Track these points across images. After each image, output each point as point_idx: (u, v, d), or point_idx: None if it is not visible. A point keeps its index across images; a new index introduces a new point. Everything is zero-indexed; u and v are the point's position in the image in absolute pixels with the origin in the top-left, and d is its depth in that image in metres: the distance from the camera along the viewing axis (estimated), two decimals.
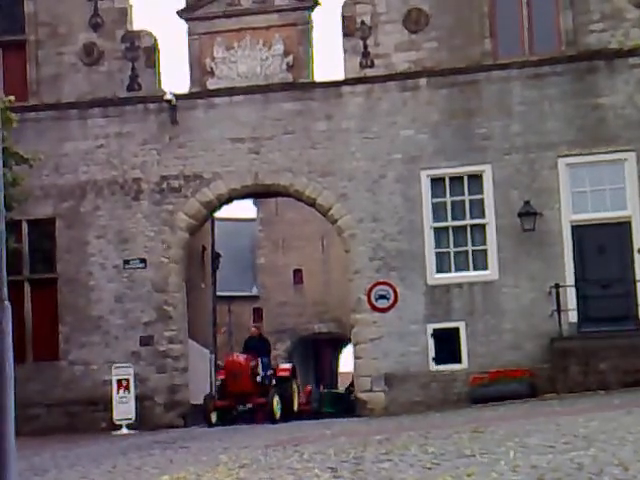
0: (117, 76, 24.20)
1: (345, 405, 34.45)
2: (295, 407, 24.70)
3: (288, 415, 23.53)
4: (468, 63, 22.98)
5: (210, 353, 30.53)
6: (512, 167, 22.72)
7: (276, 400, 22.86)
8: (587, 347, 21.13)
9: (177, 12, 24.35)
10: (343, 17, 23.67)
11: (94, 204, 24.04)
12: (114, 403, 22.30)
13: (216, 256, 32.67)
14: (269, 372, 24.20)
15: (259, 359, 23.90)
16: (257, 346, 24.41)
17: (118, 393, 22.33)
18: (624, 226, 22.19)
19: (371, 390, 22.72)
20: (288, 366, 25.62)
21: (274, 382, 23.96)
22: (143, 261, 23.69)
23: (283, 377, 24.60)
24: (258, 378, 23.37)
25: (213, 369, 30.60)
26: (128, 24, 24.44)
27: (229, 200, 24.51)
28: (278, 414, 22.78)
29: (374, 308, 22.76)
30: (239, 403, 23.40)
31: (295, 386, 24.99)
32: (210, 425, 22.37)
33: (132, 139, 24.04)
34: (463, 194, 22.93)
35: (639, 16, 22.57)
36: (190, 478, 9.18)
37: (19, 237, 23.58)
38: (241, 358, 23.77)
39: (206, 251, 31.50)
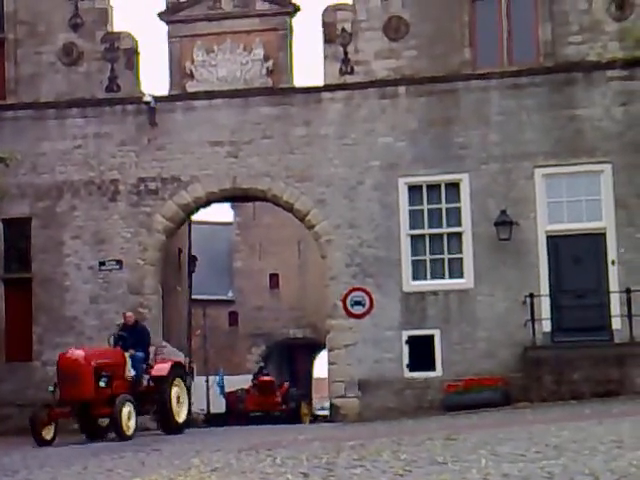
0: (96, 77, 24.14)
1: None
2: (180, 417, 19.36)
3: (168, 428, 19.09)
4: (447, 72, 23.07)
5: (184, 356, 30.47)
6: (489, 176, 22.82)
7: (127, 411, 17.88)
8: (560, 357, 21.24)
9: (158, 14, 24.32)
10: (324, 23, 23.71)
11: (70, 204, 23.95)
12: None
13: (192, 259, 32.63)
14: (144, 371, 19.33)
15: (128, 354, 19.12)
16: (129, 338, 19.36)
17: None
18: (599, 237, 22.33)
19: (345, 396, 22.74)
20: (168, 362, 19.77)
21: (152, 384, 19.22)
22: (119, 262, 23.62)
23: (159, 377, 19.09)
24: (102, 382, 18.00)
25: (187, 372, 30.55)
26: (108, 25, 24.39)
27: (207, 203, 24.49)
28: (131, 429, 17.96)
29: (349, 314, 22.78)
30: (81, 413, 18.52)
31: (180, 389, 19.50)
32: (41, 443, 17.70)
33: (110, 140, 23.98)
34: (440, 202, 23.00)
35: (617, 29, 22.74)
36: None
37: None
38: (78, 354, 18.31)
39: (182, 254, 31.47)
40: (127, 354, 19.13)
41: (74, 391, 17.89)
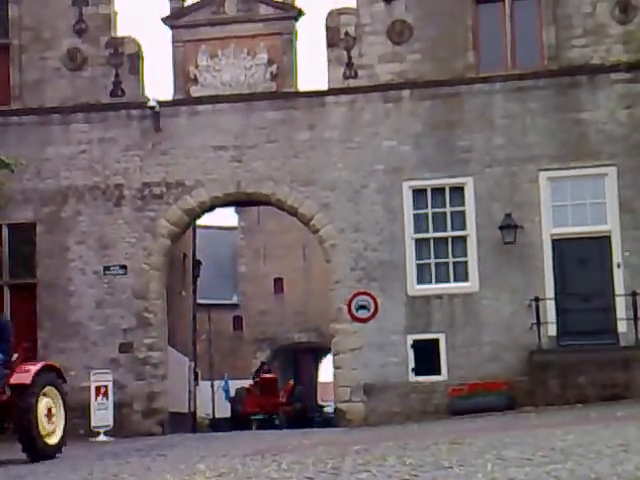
0: (100, 82, 24.16)
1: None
2: (52, 438, 14.67)
3: (33, 452, 14.24)
4: (451, 75, 23.06)
5: (189, 361, 30.48)
6: (494, 180, 22.80)
7: None
8: (566, 360, 21.21)
9: (162, 19, 24.35)
10: (327, 27, 23.72)
11: (75, 209, 23.96)
12: (92, 409, 22.17)
13: (197, 264, 32.61)
14: (5, 377, 14.43)
15: None
16: None
17: (96, 399, 22.22)
18: (604, 240, 22.30)
19: (350, 400, 22.71)
20: (35, 366, 14.79)
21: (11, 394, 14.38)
22: (123, 267, 23.63)
23: (20, 386, 14.29)
24: None
25: (192, 377, 30.54)
26: (112, 30, 24.42)
27: (211, 208, 24.49)
28: None
29: (354, 318, 22.76)
30: None
31: (53, 400, 14.84)
32: None
33: (115, 145, 23.99)
34: (445, 206, 22.98)
35: (622, 32, 22.73)
36: None
37: None
38: None
39: (187, 258, 31.46)
40: None
41: None
